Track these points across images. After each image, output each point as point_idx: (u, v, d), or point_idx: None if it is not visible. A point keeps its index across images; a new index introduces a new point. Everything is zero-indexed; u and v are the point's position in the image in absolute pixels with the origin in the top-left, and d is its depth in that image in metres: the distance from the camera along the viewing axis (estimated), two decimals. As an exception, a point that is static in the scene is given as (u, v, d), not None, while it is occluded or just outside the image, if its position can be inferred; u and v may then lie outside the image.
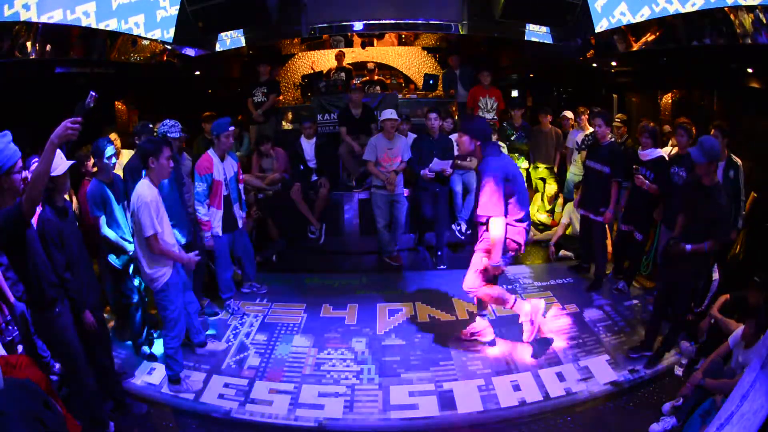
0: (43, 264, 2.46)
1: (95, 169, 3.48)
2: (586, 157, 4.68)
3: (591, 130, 5.39)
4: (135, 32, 4.04)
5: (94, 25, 3.87)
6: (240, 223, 4.24)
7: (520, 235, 3.39)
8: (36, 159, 3.24)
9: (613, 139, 4.46)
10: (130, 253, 3.40)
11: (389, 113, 4.92)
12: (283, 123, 6.67)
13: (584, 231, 4.73)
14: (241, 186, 4.30)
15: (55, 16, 3.75)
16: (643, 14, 4.14)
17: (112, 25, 3.95)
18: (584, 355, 3.57)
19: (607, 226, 4.56)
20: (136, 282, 3.51)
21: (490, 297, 3.52)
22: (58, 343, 2.58)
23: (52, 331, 2.54)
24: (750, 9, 3.70)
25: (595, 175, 4.39)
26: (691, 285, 3.40)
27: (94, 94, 2.33)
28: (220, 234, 4.07)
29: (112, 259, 3.43)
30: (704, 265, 3.38)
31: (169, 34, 4.13)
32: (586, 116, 5.61)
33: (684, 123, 4.01)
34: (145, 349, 3.66)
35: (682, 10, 3.95)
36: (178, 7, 4.17)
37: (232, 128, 4.04)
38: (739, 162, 3.91)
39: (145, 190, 3.01)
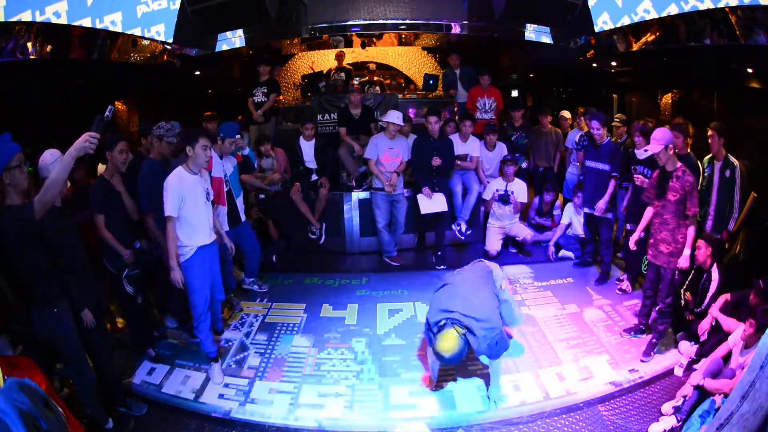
0: (43, 262, 2.46)
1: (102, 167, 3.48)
2: (584, 157, 4.74)
3: (587, 129, 5.40)
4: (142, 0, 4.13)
5: None
6: (243, 217, 4.26)
7: None
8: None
9: (609, 138, 4.59)
10: (125, 259, 3.35)
11: (395, 117, 4.85)
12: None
13: (591, 228, 4.83)
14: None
15: None
16: None
17: None
18: (584, 355, 3.57)
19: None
20: (129, 289, 3.43)
21: None
22: (57, 340, 2.58)
23: (51, 328, 2.54)
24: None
25: (595, 174, 4.54)
26: (672, 270, 3.51)
27: (112, 107, 2.35)
28: (228, 229, 4.06)
29: (108, 261, 3.36)
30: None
31: (176, 6, 4.21)
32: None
33: (680, 124, 4.01)
34: (151, 351, 3.63)
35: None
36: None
37: (238, 136, 4.10)
38: (737, 163, 3.90)
39: (173, 175, 3.16)
